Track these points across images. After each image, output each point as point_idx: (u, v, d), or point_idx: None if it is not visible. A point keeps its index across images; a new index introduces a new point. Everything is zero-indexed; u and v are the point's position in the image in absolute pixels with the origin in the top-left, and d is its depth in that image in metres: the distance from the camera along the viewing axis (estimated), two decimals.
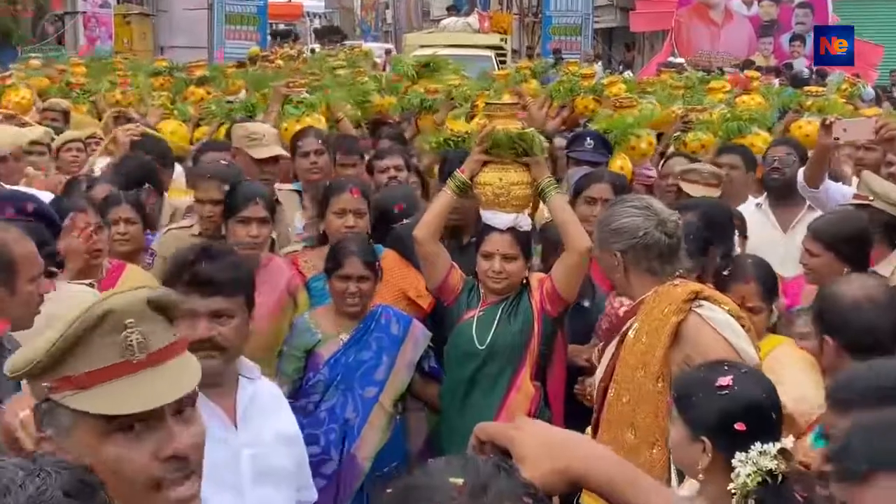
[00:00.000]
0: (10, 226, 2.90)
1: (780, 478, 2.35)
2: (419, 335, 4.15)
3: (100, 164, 5.77)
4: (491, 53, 18.38)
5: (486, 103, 4.65)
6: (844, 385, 2.33)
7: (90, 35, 20.55)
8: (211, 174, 4.70)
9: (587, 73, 7.73)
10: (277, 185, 5.43)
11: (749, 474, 2.35)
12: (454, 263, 4.21)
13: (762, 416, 2.50)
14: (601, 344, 3.67)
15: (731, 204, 5.14)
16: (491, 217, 4.09)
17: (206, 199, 4.62)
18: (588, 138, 5.83)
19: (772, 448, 2.37)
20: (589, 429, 3.37)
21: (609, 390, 3.28)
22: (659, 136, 6.75)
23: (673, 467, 2.89)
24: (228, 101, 7.31)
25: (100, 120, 7.43)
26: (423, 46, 16.73)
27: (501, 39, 21.12)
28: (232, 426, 2.61)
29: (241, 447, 2.61)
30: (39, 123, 6.69)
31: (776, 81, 12.89)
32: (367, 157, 5.81)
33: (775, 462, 2.35)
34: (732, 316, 3.17)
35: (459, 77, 7.77)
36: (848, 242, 3.97)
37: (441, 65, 7.39)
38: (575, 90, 7.27)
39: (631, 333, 3.24)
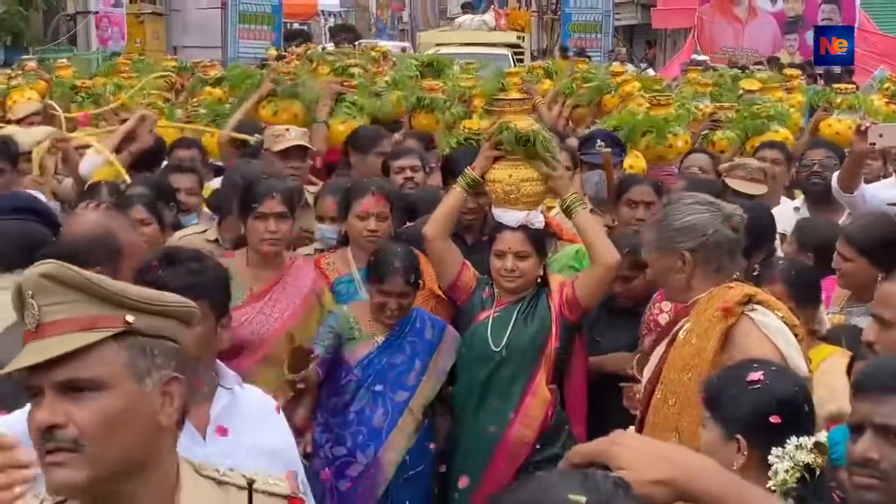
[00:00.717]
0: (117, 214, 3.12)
1: (816, 472, 2.34)
2: (452, 341, 4.14)
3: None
4: (507, 52, 18.13)
5: (495, 99, 4.60)
6: (870, 373, 2.25)
7: (102, 35, 20.39)
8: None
9: (617, 70, 7.67)
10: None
11: (787, 470, 2.33)
12: (466, 261, 4.14)
13: (795, 408, 2.50)
14: (647, 344, 3.70)
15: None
16: (502, 214, 4.05)
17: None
18: (599, 139, 5.57)
19: (808, 441, 2.36)
20: (631, 429, 3.21)
21: (655, 392, 3.21)
22: None
23: None
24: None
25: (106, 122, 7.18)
26: (438, 45, 16.46)
27: (518, 37, 20.87)
28: (200, 437, 2.49)
29: (210, 460, 2.35)
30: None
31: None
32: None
33: (812, 456, 2.34)
34: (786, 324, 3.03)
35: (472, 76, 7.51)
36: (881, 247, 3.92)
37: (445, 63, 7.17)
38: (603, 88, 7.16)
39: (681, 335, 3.17)
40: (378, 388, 4.05)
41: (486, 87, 7.10)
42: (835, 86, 7.89)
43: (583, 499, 1.27)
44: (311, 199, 5.15)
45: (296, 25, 27.11)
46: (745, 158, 5.51)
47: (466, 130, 5.88)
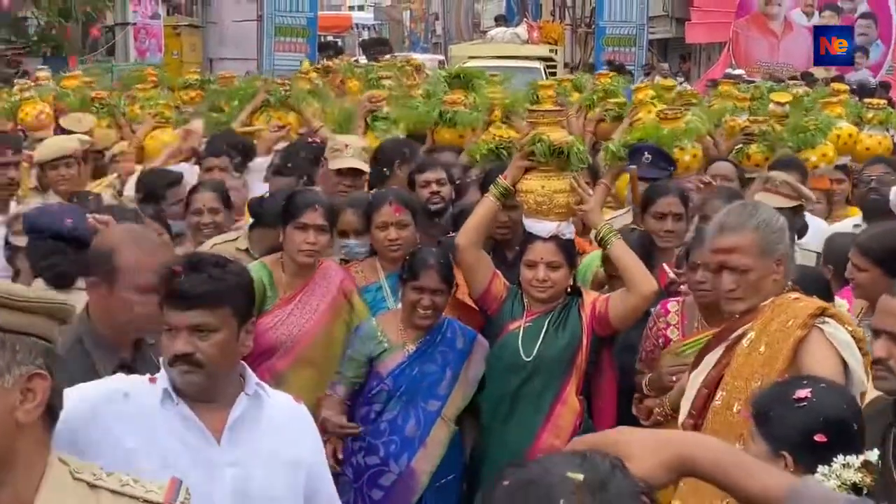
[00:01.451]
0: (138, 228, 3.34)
1: (864, 491, 2.27)
2: (482, 351, 4.13)
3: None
4: (540, 65, 18.06)
5: (530, 110, 4.59)
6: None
7: (140, 47, 20.66)
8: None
9: (667, 85, 7.67)
10: None
11: (833, 489, 2.27)
12: (497, 271, 4.15)
13: (843, 427, 2.47)
14: (664, 366, 3.70)
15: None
16: (533, 225, 4.06)
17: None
18: (646, 152, 5.46)
19: (855, 461, 2.31)
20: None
21: (715, 398, 3.14)
22: None
23: None
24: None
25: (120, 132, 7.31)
26: (470, 58, 16.45)
27: (551, 50, 20.77)
28: (214, 441, 2.48)
29: (224, 465, 2.46)
30: None
31: None
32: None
33: (860, 475, 2.29)
34: (855, 339, 3.02)
35: (502, 89, 7.47)
36: (895, 257, 3.88)
37: (474, 76, 7.13)
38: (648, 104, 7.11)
39: (745, 342, 3.11)
40: (410, 397, 4.04)
41: (514, 99, 7.06)
42: (866, 100, 7.83)
43: (580, 476, 1.30)
44: None
45: (330, 38, 27.31)
46: (772, 171, 5.37)
47: (497, 138, 5.85)
